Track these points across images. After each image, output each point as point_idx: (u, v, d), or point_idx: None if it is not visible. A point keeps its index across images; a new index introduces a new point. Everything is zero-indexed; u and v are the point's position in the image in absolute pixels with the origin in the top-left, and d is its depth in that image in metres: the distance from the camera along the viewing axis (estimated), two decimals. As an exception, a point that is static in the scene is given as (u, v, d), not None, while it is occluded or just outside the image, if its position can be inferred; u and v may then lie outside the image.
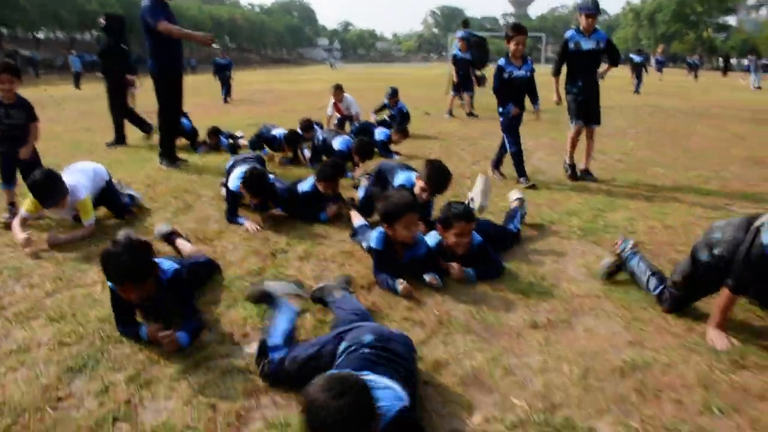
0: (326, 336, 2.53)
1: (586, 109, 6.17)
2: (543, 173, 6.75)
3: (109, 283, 2.84)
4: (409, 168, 4.80)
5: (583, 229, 4.57)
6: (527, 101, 6.22)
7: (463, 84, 12.51)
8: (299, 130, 7.63)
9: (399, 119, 9.23)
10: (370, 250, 3.67)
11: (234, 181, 4.68)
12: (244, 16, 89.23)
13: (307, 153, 7.41)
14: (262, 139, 7.73)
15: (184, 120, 8.13)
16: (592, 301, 3.30)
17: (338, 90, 9.65)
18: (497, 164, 6.52)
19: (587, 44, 5.94)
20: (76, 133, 10.24)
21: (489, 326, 3.01)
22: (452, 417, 2.27)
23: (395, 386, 2.06)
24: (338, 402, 1.72)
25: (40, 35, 54.84)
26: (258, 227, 4.53)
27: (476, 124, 11.26)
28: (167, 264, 3.02)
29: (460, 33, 13.16)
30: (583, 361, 2.66)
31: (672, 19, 69.74)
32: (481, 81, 13.85)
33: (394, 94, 10.03)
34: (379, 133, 8.07)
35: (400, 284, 3.33)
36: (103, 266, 2.69)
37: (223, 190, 5.19)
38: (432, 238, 3.70)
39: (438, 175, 4.23)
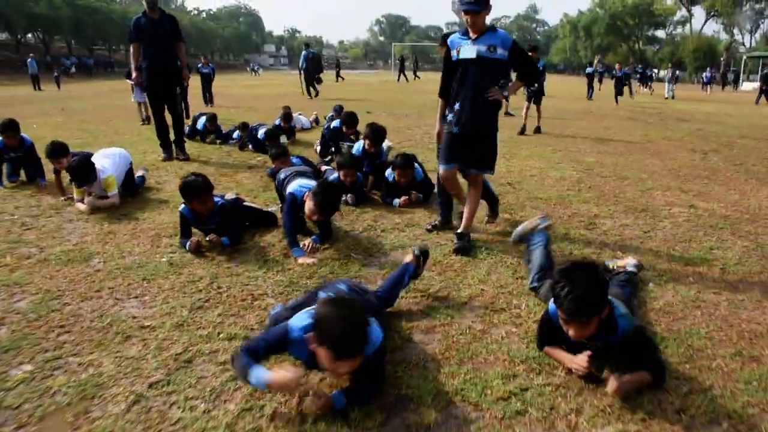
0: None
1: (462, 148, 4.17)
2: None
3: (180, 208, 4.20)
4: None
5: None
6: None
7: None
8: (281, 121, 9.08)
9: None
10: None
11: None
12: (192, 22, 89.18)
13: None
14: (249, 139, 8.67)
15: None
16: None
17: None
18: None
19: (468, 51, 4.01)
20: (81, 124, 11.80)
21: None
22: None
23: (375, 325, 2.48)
24: (344, 313, 2.17)
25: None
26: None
27: (409, 120, 12.96)
28: (218, 197, 4.34)
29: (304, 52, 19.09)
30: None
31: (606, 31, 74.03)
32: (319, 81, 19.86)
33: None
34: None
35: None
36: (182, 190, 4.07)
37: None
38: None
39: (375, 133, 5.93)
